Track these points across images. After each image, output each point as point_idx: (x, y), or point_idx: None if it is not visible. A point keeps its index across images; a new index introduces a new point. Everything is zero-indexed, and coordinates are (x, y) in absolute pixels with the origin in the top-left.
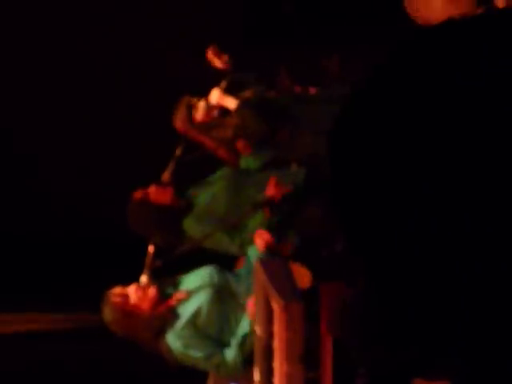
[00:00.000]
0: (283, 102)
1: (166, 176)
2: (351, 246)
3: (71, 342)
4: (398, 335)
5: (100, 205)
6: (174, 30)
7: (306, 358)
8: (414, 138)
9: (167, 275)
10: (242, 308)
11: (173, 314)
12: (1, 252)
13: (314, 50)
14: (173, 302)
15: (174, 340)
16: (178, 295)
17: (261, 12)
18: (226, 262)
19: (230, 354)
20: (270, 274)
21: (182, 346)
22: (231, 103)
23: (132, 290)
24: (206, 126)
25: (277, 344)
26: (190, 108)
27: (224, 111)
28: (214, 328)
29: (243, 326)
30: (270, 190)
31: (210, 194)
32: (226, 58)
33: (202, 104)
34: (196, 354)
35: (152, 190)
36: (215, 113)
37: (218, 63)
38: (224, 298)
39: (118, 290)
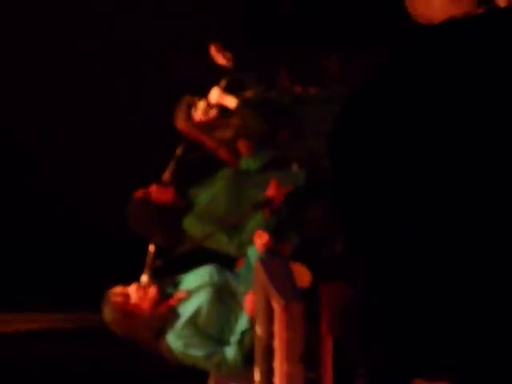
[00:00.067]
0: (283, 102)
1: (166, 176)
2: (351, 246)
3: (71, 342)
4: (398, 335)
5: (100, 205)
6: (173, 30)
7: (306, 357)
8: (414, 138)
9: (167, 275)
10: (241, 307)
11: (173, 314)
12: (1, 252)
13: (313, 50)
14: (173, 301)
15: (174, 339)
16: (178, 295)
17: (261, 12)
18: (226, 262)
19: (230, 352)
20: (271, 274)
21: (183, 345)
22: (231, 102)
23: (132, 290)
24: (207, 127)
25: (277, 344)
26: (191, 108)
27: (223, 110)
28: (214, 327)
29: (242, 323)
30: (271, 191)
31: (210, 194)
32: (228, 54)
33: (201, 104)
34: (196, 353)
35: (153, 189)
36: (214, 112)
37: (220, 60)
38: (224, 298)
39: (118, 289)
